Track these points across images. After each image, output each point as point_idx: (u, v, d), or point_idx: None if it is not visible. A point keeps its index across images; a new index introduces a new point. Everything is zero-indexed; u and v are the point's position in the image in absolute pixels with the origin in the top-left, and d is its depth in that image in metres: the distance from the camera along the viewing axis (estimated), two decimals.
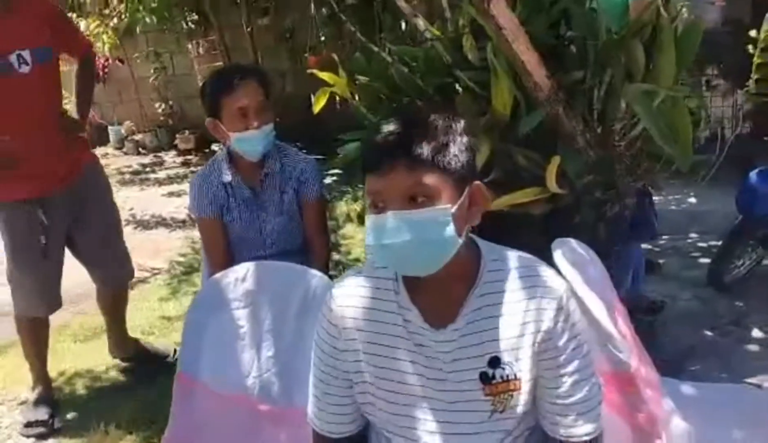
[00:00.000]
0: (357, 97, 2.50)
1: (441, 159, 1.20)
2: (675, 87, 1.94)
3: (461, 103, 2.14)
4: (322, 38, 6.08)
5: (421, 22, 2.35)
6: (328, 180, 5.66)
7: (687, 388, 1.91)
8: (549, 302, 1.27)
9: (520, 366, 1.28)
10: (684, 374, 2.80)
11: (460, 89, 2.27)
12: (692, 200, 4.46)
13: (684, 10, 2.26)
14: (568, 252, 1.74)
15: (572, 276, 1.64)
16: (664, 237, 4.19)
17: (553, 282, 1.30)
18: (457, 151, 1.22)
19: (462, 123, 1.27)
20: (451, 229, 1.21)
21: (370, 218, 1.25)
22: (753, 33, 2.28)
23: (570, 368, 1.28)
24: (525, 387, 1.29)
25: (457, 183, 1.23)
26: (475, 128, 2.12)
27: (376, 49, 2.44)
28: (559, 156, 2.03)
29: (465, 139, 1.25)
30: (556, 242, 1.75)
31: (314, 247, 2.48)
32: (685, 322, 3.25)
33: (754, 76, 2.33)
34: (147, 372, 3.13)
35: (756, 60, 2.29)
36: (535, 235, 2.10)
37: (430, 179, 1.20)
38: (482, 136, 2.10)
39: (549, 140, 2.08)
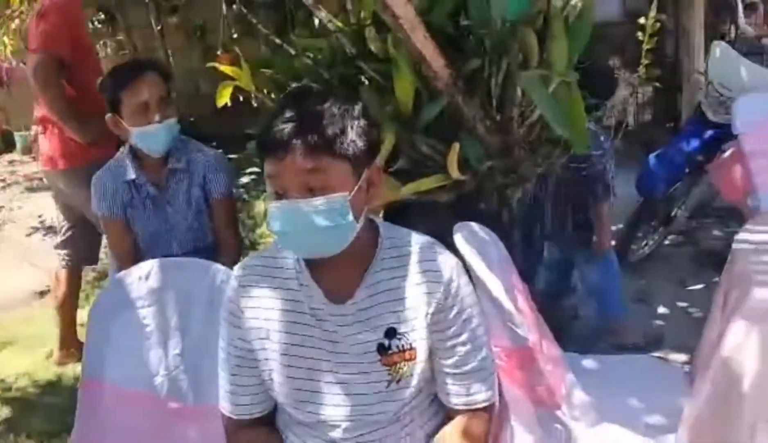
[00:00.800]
0: (267, 92, 2.49)
1: (338, 145, 1.22)
2: (568, 73, 2.01)
3: (365, 94, 2.15)
4: (234, 36, 6.01)
5: (323, 15, 2.36)
6: (245, 179, 5.60)
7: (588, 362, 2.00)
8: (439, 277, 1.33)
9: (415, 337, 1.34)
10: (597, 349, 2.93)
11: (366, 80, 2.29)
12: None
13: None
14: (468, 235, 1.79)
15: (472, 258, 1.69)
16: None
17: (444, 260, 1.37)
18: (354, 136, 1.25)
19: (359, 107, 1.29)
20: (348, 215, 1.25)
21: (270, 205, 1.27)
22: (642, 20, 2.38)
23: (461, 338, 1.34)
24: (420, 356, 1.34)
25: (354, 168, 1.26)
26: (380, 118, 2.16)
27: (279, 42, 2.43)
28: (460, 143, 2.07)
29: (362, 123, 1.27)
30: (458, 226, 1.80)
31: (224, 244, 2.45)
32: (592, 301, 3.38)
33: (644, 61, 2.43)
34: (59, 380, 3.04)
35: (645, 46, 2.40)
36: (442, 221, 2.14)
37: (327, 166, 1.22)
38: (386, 126, 2.13)
39: (451, 128, 2.13)
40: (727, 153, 3.13)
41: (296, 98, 1.29)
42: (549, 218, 2.94)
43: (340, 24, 2.36)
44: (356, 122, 1.26)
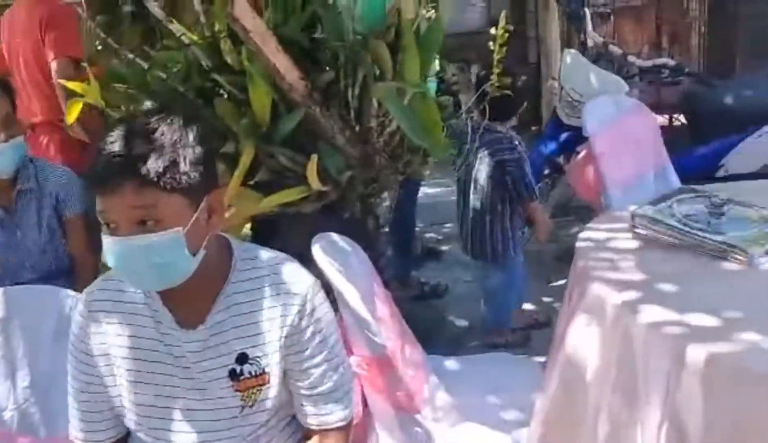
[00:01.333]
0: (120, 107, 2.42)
1: (170, 178, 1.16)
2: (420, 84, 2.07)
3: (221, 107, 2.13)
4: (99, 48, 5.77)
5: (176, 27, 2.31)
6: None
7: (451, 363, 2.05)
8: (293, 298, 1.31)
9: (268, 361, 1.32)
10: (465, 349, 3.03)
11: (224, 93, 2.27)
12: None
13: (432, 11, 2.42)
14: (327, 246, 1.80)
15: (330, 269, 1.70)
16: (447, 225, 4.47)
17: (298, 279, 1.34)
18: (187, 167, 1.18)
19: (193, 133, 1.22)
20: (183, 250, 1.20)
21: (104, 239, 1.21)
22: (492, 30, 2.49)
23: (316, 360, 1.33)
24: (274, 380, 1.32)
25: (190, 199, 1.20)
26: (237, 131, 2.14)
27: (132, 56, 2.36)
28: (320, 154, 2.09)
29: (197, 150, 1.21)
30: (316, 238, 1.81)
31: (81, 266, 2.35)
32: (467, 301, 3.49)
33: (496, 70, 2.54)
34: None
35: (496, 55, 2.50)
36: (307, 233, 2.15)
37: (159, 200, 1.16)
38: (244, 139, 2.12)
39: (310, 140, 2.14)
40: (581, 155, 3.32)
41: (125, 130, 1.20)
42: (467, 224, 3.02)
43: (194, 37, 2.32)
44: (190, 151, 1.20)
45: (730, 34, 5.04)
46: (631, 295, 1.51)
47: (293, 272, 1.36)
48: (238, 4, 1.84)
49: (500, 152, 2.89)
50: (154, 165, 1.15)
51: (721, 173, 3.48)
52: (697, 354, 1.29)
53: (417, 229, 4.31)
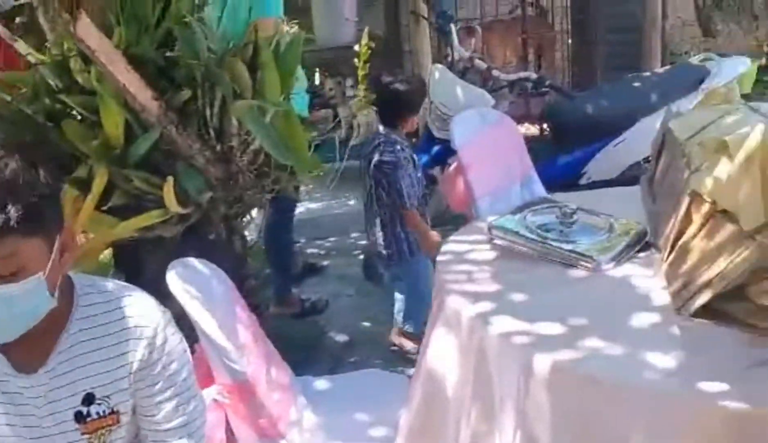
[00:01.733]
0: None
1: (27, 224, 1.09)
2: (280, 102, 2.05)
3: (70, 130, 2.03)
4: None
5: (22, 46, 2.18)
6: None
7: (321, 383, 2.03)
8: (141, 332, 1.27)
9: (117, 400, 1.27)
10: (345, 365, 3.02)
11: (77, 114, 2.16)
12: (352, 202, 4.77)
13: (295, 27, 2.41)
14: (184, 272, 1.74)
15: (184, 297, 1.65)
16: (330, 239, 4.46)
17: (146, 311, 1.30)
18: (45, 208, 1.13)
19: (45, 167, 1.17)
20: (44, 294, 1.15)
21: None
22: (356, 47, 2.50)
23: (167, 394, 1.29)
24: (123, 419, 1.28)
25: (48, 239, 1.15)
26: (89, 154, 2.05)
27: None
28: (179, 175, 2.03)
29: (51, 187, 1.16)
30: (172, 264, 1.74)
31: None
32: (347, 316, 3.49)
33: (361, 86, 2.56)
34: None
35: (360, 72, 2.52)
36: (169, 257, 2.08)
37: (18, 248, 1.09)
38: (97, 162, 2.03)
39: (168, 161, 2.07)
40: (452, 167, 3.39)
41: None
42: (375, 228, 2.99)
43: (42, 56, 2.20)
44: (45, 190, 1.14)
45: (592, 48, 5.32)
46: (485, 307, 1.55)
47: (140, 304, 1.30)
48: (80, 23, 1.77)
49: (379, 153, 2.88)
50: (13, 212, 1.07)
51: (584, 181, 3.65)
52: (543, 362, 1.33)
53: (299, 244, 4.29)
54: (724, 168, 1.45)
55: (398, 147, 2.92)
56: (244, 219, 2.33)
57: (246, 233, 2.54)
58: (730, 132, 1.56)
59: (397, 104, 2.91)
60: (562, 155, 3.57)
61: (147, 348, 1.26)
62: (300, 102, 2.90)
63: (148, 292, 1.35)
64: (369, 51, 2.47)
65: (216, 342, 1.61)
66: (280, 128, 2.14)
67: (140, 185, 2.04)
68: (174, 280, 1.67)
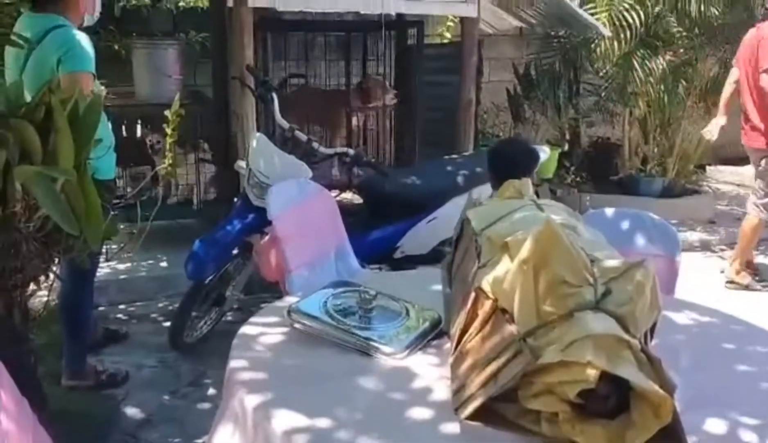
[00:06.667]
0: None
1: None
2: (70, 170, 1.92)
3: None
4: None
5: None
6: None
7: None
8: None
9: None
10: None
11: None
12: (164, 264, 4.57)
13: (102, 87, 2.29)
14: None
15: None
16: (136, 303, 4.22)
17: None
18: None
19: None
20: None
21: None
22: (167, 112, 2.43)
23: None
24: None
25: None
26: None
27: None
28: None
29: None
30: None
31: None
32: (148, 389, 3.28)
33: (169, 154, 2.48)
34: None
35: (168, 139, 2.44)
36: None
37: None
38: None
39: None
40: (268, 236, 3.35)
41: None
42: None
43: None
44: None
45: (412, 125, 5.56)
46: (271, 397, 1.51)
47: None
48: None
49: None
50: None
51: (398, 254, 3.75)
52: None
53: (102, 309, 4.01)
54: (504, 267, 1.52)
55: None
56: (29, 289, 2.12)
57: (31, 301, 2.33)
58: (515, 229, 1.65)
59: (512, 169, 2.94)
60: (377, 229, 3.65)
61: None
62: (104, 164, 2.74)
63: None
64: (178, 118, 2.40)
65: None
66: (71, 196, 2.00)
67: None
68: None
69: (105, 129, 2.68)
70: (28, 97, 2.09)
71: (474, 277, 1.63)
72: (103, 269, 3.57)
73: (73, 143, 1.97)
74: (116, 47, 4.91)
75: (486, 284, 1.53)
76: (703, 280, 4.67)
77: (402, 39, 5.78)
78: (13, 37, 2.44)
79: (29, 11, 2.73)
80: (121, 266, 4.40)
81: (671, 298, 2.31)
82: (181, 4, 5.97)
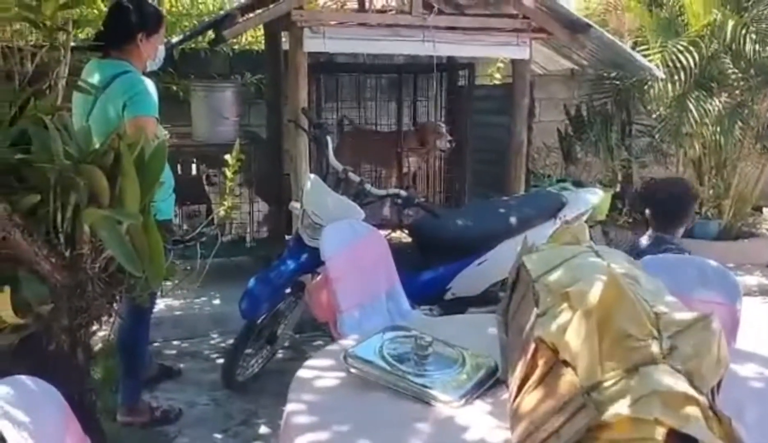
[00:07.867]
0: None
1: None
2: (136, 214, 1.97)
3: None
4: None
5: None
6: None
7: None
8: None
9: None
10: None
11: None
12: (216, 301, 4.63)
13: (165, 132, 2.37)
14: (10, 393, 1.59)
15: (4, 424, 1.49)
16: (189, 340, 4.28)
17: None
18: None
19: None
20: None
21: None
22: (227, 156, 2.49)
23: None
24: None
25: None
26: None
27: None
28: (19, 283, 1.89)
29: None
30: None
31: None
32: (200, 427, 3.31)
33: (228, 197, 2.54)
34: None
35: (228, 183, 2.50)
36: (3, 368, 1.91)
37: None
38: None
39: (7, 267, 1.94)
40: (318, 278, 3.38)
41: None
42: None
43: None
44: None
45: (462, 169, 5.59)
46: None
47: None
48: None
49: None
50: None
51: (448, 296, 3.73)
52: None
53: (156, 345, 4.08)
54: (565, 318, 1.51)
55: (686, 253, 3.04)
56: (88, 330, 2.18)
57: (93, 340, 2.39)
58: (575, 277, 1.63)
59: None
60: (428, 270, 3.65)
61: None
62: (165, 205, 2.82)
63: None
64: (239, 162, 2.46)
65: None
66: (136, 237, 2.06)
67: None
68: None
69: (167, 172, 2.76)
70: (95, 141, 2.17)
71: (533, 326, 1.61)
72: (158, 305, 3.64)
73: (139, 186, 2.03)
74: (174, 88, 5.06)
75: (547, 334, 1.51)
76: (763, 327, 4.52)
77: (453, 80, 5.83)
78: (81, 84, 2.54)
79: (96, 58, 2.85)
80: (176, 303, 4.47)
81: (733, 348, 2.24)
82: (236, 46, 6.13)
